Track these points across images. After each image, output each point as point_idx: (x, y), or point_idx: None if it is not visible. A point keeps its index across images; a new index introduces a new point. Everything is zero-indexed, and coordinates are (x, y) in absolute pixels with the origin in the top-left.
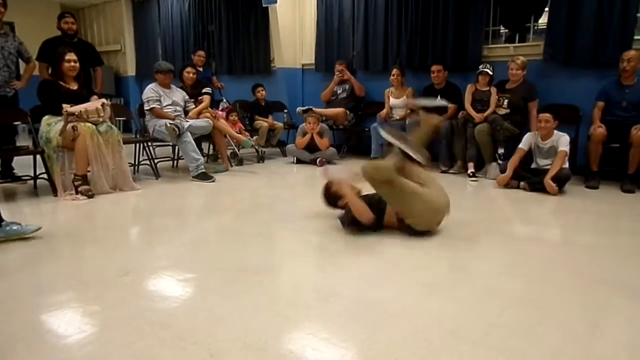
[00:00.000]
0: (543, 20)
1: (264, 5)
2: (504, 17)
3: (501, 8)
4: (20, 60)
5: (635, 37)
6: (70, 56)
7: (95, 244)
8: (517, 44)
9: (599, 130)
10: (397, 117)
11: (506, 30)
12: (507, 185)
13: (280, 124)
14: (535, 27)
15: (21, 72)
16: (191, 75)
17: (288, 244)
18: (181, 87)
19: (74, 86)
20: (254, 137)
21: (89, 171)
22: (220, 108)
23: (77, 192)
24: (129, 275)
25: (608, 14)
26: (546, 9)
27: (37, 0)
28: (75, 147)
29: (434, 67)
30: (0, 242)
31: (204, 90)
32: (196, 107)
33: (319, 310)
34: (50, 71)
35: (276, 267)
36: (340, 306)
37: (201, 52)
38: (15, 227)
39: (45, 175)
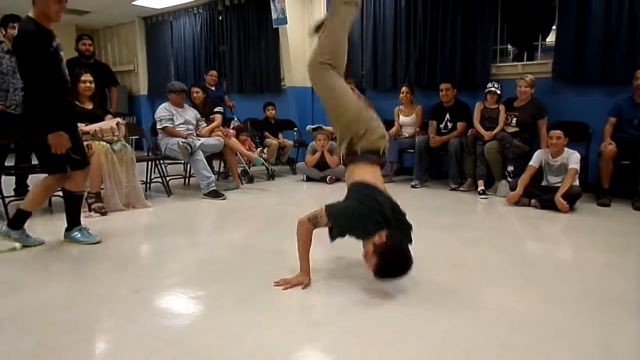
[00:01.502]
0: (551, 38)
1: (274, 26)
2: (512, 35)
3: (509, 26)
4: None
5: None
6: (86, 77)
7: (108, 261)
8: (525, 62)
9: (609, 147)
10: (407, 135)
11: (514, 49)
12: (517, 203)
13: (290, 142)
14: (543, 45)
15: None
16: (196, 94)
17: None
18: (193, 106)
19: (89, 106)
20: (265, 149)
21: (102, 189)
22: (231, 126)
23: (90, 210)
24: (141, 292)
25: (616, 32)
26: (554, 27)
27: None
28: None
29: (443, 86)
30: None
31: (215, 109)
32: (208, 125)
33: (330, 328)
34: None
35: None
36: (352, 324)
37: (213, 72)
38: (78, 235)
39: (59, 193)
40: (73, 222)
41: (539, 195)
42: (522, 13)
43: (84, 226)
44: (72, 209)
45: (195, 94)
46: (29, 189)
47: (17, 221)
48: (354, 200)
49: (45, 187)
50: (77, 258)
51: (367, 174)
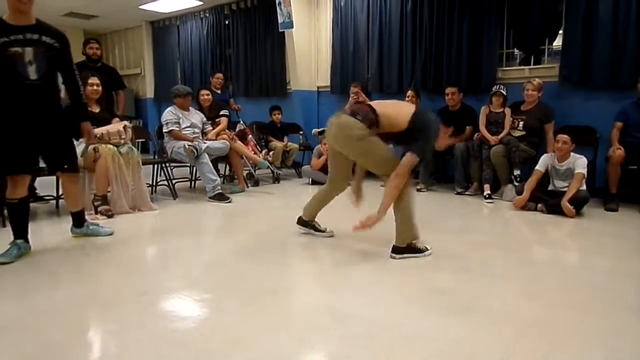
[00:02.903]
0: (557, 42)
1: (280, 30)
2: (518, 39)
3: (515, 30)
4: None
5: None
6: (93, 80)
7: (114, 263)
8: (532, 66)
9: (618, 152)
10: None
11: (520, 53)
12: (524, 208)
13: (296, 145)
14: (550, 49)
15: None
16: (206, 97)
17: (304, 264)
18: (199, 110)
19: (96, 109)
20: (270, 152)
21: (109, 191)
22: (237, 129)
23: (97, 212)
24: (146, 295)
25: (623, 36)
26: (560, 31)
27: (62, 26)
28: (96, 168)
29: (449, 90)
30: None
31: (221, 113)
32: (214, 129)
33: (334, 332)
34: None
35: (292, 288)
36: (356, 328)
37: (219, 75)
38: (92, 228)
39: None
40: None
41: (546, 199)
42: (529, 17)
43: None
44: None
45: (205, 96)
46: (36, 191)
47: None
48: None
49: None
50: (83, 261)
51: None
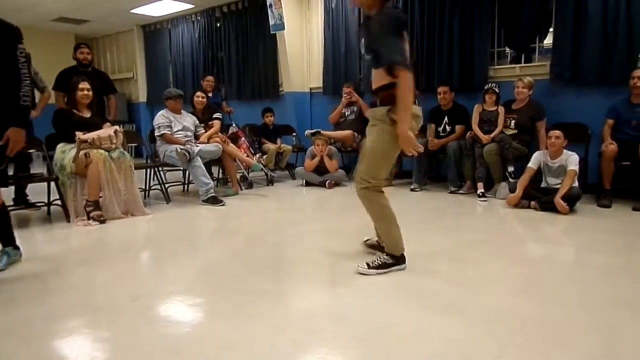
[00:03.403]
0: (548, 40)
1: (272, 32)
2: (509, 38)
3: (506, 29)
4: (36, 90)
5: None
6: (84, 85)
7: (107, 269)
8: (523, 65)
9: (610, 147)
10: None
11: (511, 51)
12: (517, 205)
13: (289, 147)
14: (541, 47)
15: (37, 101)
16: (201, 99)
17: (298, 267)
18: (192, 113)
19: (87, 114)
20: (263, 156)
21: (101, 197)
22: (229, 132)
23: (89, 218)
24: (139, 301)
25: (613, 33)
26: (551, 29)
27: (52, 31)
28: (87, 174)
29: (441, 89)
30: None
31: (214, 116)
32: (206, 131)
33: (330, 335)
34: (65, 100)
35: (286, 291)
36: (352, 330)
37: (210, 78)
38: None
39: (58, 202)
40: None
41: (539, 197)
42: (519, 15)
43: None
44: None
45: (200, 99)
46: (28, 198)
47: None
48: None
49: None
50: (75, 268)
51: None
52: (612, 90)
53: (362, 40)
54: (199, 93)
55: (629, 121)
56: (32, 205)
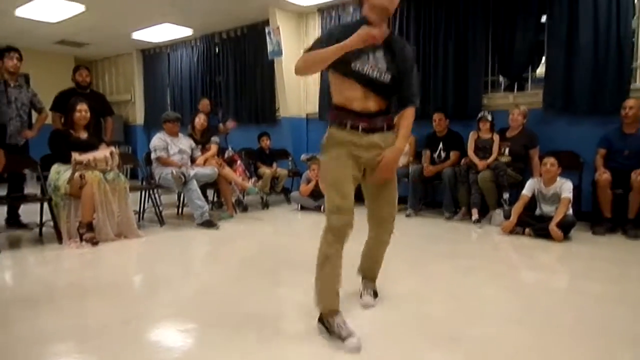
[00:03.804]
0: (540, 69)
1: (269, 58)
2: (503, 66)
3: (499, 58)
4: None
5: (633, 87)
6: (82, 106)
7: (98, 292)
8: (516, 93)
9: (604, 175)
10: (401, 164)
11: (505, 79)
12: (512, 232)
13: (285, 171)
14: (534, 76)
15: (33, 121)
16: (202, 121)
17: (292, 292)
18: (190, 135)
19: (84, 135)
20: (258, 182)
21: (94, 218)
22: (225, 156)
23: (81, 240)
24: (130, 325)
25: (604, 63)
26: (543, 58)
27: (52, 53)
28: (82, 195)
29: (436, 116)
30: None
31: (212, 139)
32: (203, 154)
33: None
34: (63, 121)
35: (280, 317)
36: (347, 357)
37: (205, 101)
38: None
39: (51, 223)
40: None
41: (533, 224)
42: (512, 45)
43: None
44: None
45: (202, 120)
46: (20, 218)
47: None
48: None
49: None
50: (67, 290)
51: None
52: (604, 120)
53: (376, 58)
54: (201, 115)
55: (622, 151)
56: (25, 226)
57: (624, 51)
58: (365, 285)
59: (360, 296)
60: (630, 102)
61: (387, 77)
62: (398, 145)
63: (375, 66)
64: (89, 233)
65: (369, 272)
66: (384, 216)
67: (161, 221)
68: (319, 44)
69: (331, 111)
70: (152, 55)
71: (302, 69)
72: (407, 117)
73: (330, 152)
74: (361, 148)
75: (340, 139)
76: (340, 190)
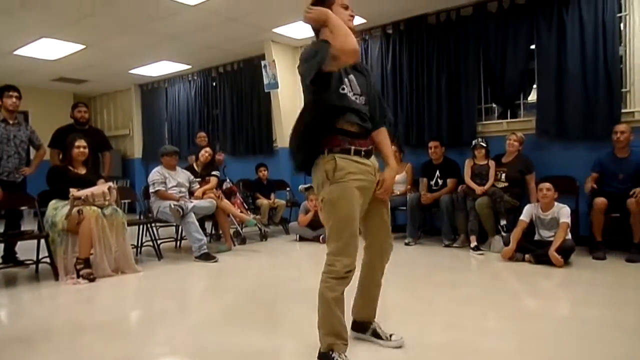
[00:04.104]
0: (532, 96)
1: (266, 91)
2: (495, 94)
3: (492, 86)
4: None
5: (624, 111)
6: (80, 142)
7: (94, 330)
8: (509, 120)
9: (600, 199)
10: (398, 193)
11: (498, 107)
12: (511, 258)
13: (283, 202)
14: (526, 104)
15: (31, 157)
16: (207, 155)
17: (293, 326)
18: (190, 167)
19: (82, 170)
20: (257, 216)
21: (91, 254)
22: (223, 187)
23: (78, 276)
24: None
25: (593, 89)
26: (534, 86)
27: (51, 90)
28: (79, 231)
29: (432, 144)
30: None
31: (212, 172)
32: (202, 186)
33: None
34: (61, 157)
35: (279, 352)
36: None
37: (202, 134)
38: None
39: (47, 260)
40: None
41: (533, 250)
42: (503, 74)
43: None
44: None
45: (207, 155)
46: (17, 255)
47: None
48: None
49: None
50: (62, 327)
51: None
52: (597, 144)
53: (354, 80)
54: (207, 148)
55: (616, 174)
56: (21, 263)
57: (612, 77)
58: (378, 326)
59: (389, 338)
60: (621, 127)
61: (362, 99)
62: (392, 164)
63: (354, 87)
64: (86, 269)
65: (371, 310)
66: (386, 248)
67: (159, 255)
68: (314, 55)
69: (327, 137)
70: (150, 90)
71: (350, 43)
72: (386, 135)
73: (340, 184)
74: (364, 174)
75: (350, 169)
76: (349, 228)
